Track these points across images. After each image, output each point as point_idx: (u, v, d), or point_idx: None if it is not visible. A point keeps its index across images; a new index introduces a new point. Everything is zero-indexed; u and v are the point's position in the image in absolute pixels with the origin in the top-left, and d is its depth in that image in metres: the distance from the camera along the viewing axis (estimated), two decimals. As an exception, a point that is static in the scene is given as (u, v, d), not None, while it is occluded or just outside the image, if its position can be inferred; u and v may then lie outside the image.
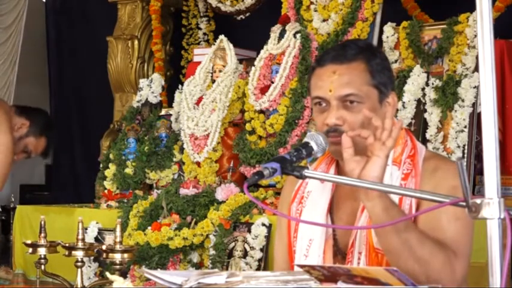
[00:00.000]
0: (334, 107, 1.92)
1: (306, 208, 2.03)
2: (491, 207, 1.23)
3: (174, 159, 4.12)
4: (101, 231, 3.76)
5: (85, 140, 5.95)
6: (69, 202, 4.70)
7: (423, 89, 3.51)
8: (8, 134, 3.52)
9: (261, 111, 3.78)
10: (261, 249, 3.28)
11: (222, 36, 4.11)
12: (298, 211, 2.04)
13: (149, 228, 3.51)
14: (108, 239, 3.57)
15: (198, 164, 3.89)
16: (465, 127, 3.36)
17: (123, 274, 3.17)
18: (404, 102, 3.49)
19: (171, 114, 4.28)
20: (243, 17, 4.83)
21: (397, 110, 3.43)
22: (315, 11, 4.24)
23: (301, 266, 1.57)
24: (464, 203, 1.28)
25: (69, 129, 6.05)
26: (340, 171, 2.02)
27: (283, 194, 2.17)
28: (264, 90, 3.77)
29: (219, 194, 3.59)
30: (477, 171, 3.39)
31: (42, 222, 2.90)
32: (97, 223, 3.78)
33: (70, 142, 5.92)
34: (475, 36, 3.53)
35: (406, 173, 1.89)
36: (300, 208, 2.04)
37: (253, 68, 3.84)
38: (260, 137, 3.79)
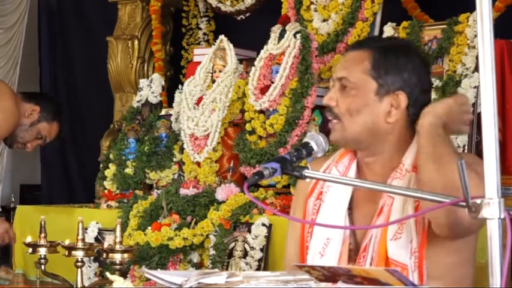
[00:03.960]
0: (333, 88, 1.95)
1: (325, 204, 2.00)
2: (491, 207, 1.23)
3: (174, 159, 4.11)
4: (101, 231, 3.75)
5: (79, 140, 5.94)
6: (63, 202, 4.70)
7: (423, 89, 3.50)
8: (11, 100, 3.47)
9: (261, 111, 3.78)
10: (261, 249, 3.28)
11: (222, 36, 4.11)
12: (316, 207, 2.01)
13: (149, 228, 3.51)
14: (108, 239, 3.57)
15: (198, 164, 3.89)
16: (465, 127, 3.36)
17: (123, 274, 3.17)
18: (404, 102, 3.48)
19: (171, 114, 4.28)
20: (243, 17, 4.82)
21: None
22: (315, 11, 4.24)
23: (301, 266, 1.57)
24: (464, 203, 1.28)
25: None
26: (360, 167, 2.01)
27: (299, 186, 2.14)
28: (264, 90, 3.77)
29: (219, 194, 3.59)
30: (477, 171, 3.38)
31: (42, 222, 2.90)
32: (97, 223, 3.78)
33: (62, 142, 5.88)
34: (475, 36, 3.53)
35: None
36: (318, 204, 2.01)
37: (253, 68, 3.84)
38: (260, 137, 3.79)
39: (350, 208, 1.98)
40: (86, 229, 3.59)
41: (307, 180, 2.00)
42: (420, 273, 1.81)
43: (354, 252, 1.94)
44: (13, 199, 5.95)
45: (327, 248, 1.94)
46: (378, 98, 1.91)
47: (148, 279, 3.22)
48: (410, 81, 1.92)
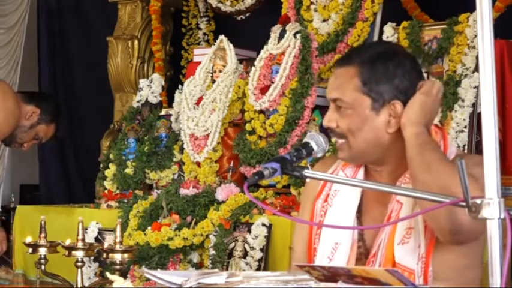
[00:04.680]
0: (331, 109, 1.95)
1: (333, 208, 1.99)
2: (491, 207, 1.23)
3: (174, 159, 4.12)
4: (101, 231, 3.75)
5: (78, 140, 5.93)
6: (61, 202, 4.69)
7: (423, 89, 3.50)
8: (13, 101, 3.48)
9: (261, 111, 3.78)
10: (261, 249, 3.28)
11: (222, 36, 4.11)
12: (323, 209, 2.01)
13: (149, 228, 3.51)
14: (108, 239, 3.57)
15: (198, 164, 3.89)
16: (465, 127, 3.36)
17: (123, 274, 3.17)
18: (404, 102, 3.48)
19: (171, 114, 4.28)
20: (243, 17, 4.82)
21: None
22: (315, 11, 4.24)
23: (301, 266, 1.57)
24: (464, 203, 1.28)
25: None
26: (367, 172, 2.01)
27: (307, 187, 2.13)
28: (264, 90, 3.77)
29: (219, 194, 3.59)
30: (477, 171, 3.38)
31: (42, 222, 2.90)
32: (97, 223, 3.78)
33: (61, 142, 5.87)
34: (475, 36, 3.53)
35: None
36: (326, 207, 2.01)
37: (253, 68, 3.84)
38: (260, 137, 3.79)
39: (359, 211, 1.97)
40: (86, 229, 3.59)
41: (308, 180, 2.00)
42: (425, 279, 1.81)
43: (364, 255, 1.93)
44: (13, 199, 5.94)
45: (335, 253, 1.94)
46: (374, 113, 1.90)
47: (148, 279, 3.22)
48: (403, 86, 1.90)
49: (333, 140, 2.00)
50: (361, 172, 2.00)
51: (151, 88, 4.49)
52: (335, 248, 1.94)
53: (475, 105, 3.38)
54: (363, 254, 1.94)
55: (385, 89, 1.89)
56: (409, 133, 1.84)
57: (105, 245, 2.78)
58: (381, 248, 1.87)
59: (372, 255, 1.88)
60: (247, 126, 3.80)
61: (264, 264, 3.26)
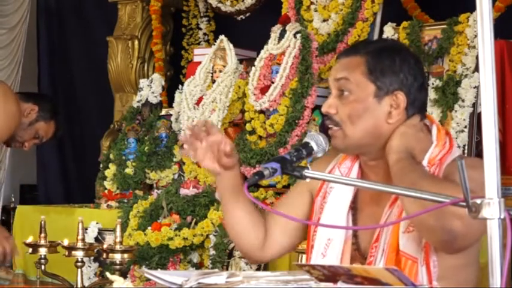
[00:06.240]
0: (332, 95, 1.95)
1: (328, 204, 2.00)
2: (491, 207, 1.23)
3: (174, 159, 4.12)
4: (101, 231, 3.76)
5: (78, 140, 5.93)
6: (59, 202, 4.69)
7: (423, 89, 3.50)
8: (15, 103, 3.50)
9: (261, 111, 3.78)
10: (261, 249, 3.28)
11: (222, 37, 4.11)
12: (321, 206, 2.02)
13: (149, 228, 3.51)
14: (108, 239, 3.57)
15: (198, 164, 3.89)
16: (465, 127, 3.36)
17: (123, 274, 3.18)
18: (404, 102, 3.48)
19: (171, 114, 4.28)
20: (243, 17, 4.82)
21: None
22: (315, 11, 4.24)
23: (301, 266, 1.57)
24: (464, 203, 1.28)
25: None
26: (362, 169, 2.01)
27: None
28: (264, 90, 3.77)
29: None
30: (477, 171, 3.38)
31: (42, 222, 2.91)
32: (97, 223, 3.78)
33: (60, 142, 5.86)
34: (475, 36, 3.53)
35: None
36: (323, 204, 2.02)
37: (253, 68, 3.84)
38: (260, 137, 3.79)
39: (355, 209, 1.98)
40: (86, 229, 3.59)
41: (308, 180, 2.00)
42: (428, 269, 1.81)
43: (359, 253, 1.94)
44: (13, 199, 5.94)
45: (328, 249, 1.94)
46: (377, 100, 1.90)
47: (148, 279, 3.22)
48: (407, 81, 1.91)
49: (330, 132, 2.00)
50: (355, 169, 2.01)
51: (151, 88, 4.49)
52: (328, 244, 1.95)
53: (475, 105, 3.38)
54: (357, 252, 1.94)
55: (390, 80, 1.90)
56: (391, 161, 1.85)
57: (105, 245, 2.79)
58: (384, 235, 1.87)
59: (373, 245, 1.88)
60: (247, 126, 3.80)
61: (264, 264, 3.26)
